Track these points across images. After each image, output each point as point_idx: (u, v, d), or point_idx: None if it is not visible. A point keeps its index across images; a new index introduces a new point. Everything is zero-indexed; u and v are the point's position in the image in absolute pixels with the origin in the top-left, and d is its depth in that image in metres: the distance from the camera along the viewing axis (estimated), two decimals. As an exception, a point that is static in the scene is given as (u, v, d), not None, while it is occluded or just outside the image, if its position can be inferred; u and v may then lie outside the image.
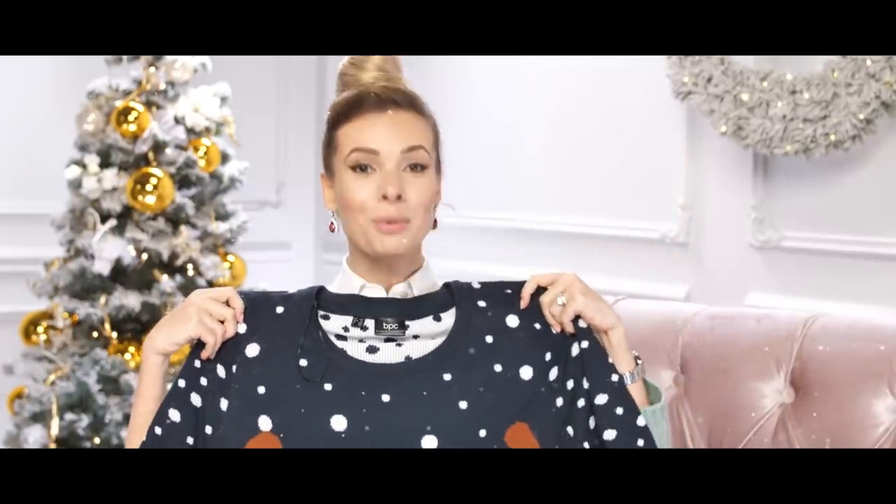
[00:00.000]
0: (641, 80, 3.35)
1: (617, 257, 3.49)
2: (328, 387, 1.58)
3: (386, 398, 1.57)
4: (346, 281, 1.71)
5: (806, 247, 3.05)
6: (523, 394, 1.58)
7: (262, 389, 1.58)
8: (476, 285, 1.67)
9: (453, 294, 1.66)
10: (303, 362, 1.60)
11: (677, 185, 3.32)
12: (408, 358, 1.60)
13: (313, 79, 4.62)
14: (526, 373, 1.60)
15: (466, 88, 3.90)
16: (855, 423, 1.73)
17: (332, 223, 1.73)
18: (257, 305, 1.64)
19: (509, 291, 1.67)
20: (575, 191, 3.62)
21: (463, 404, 1.56)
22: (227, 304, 1.63)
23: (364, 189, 1.63)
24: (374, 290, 1.68)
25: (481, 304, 1.65)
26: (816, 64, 2.85)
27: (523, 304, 1.65)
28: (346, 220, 1.68)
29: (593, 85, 3.54)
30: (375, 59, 1.71)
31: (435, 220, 1.70)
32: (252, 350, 1.61)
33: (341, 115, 1.67)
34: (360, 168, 1.63)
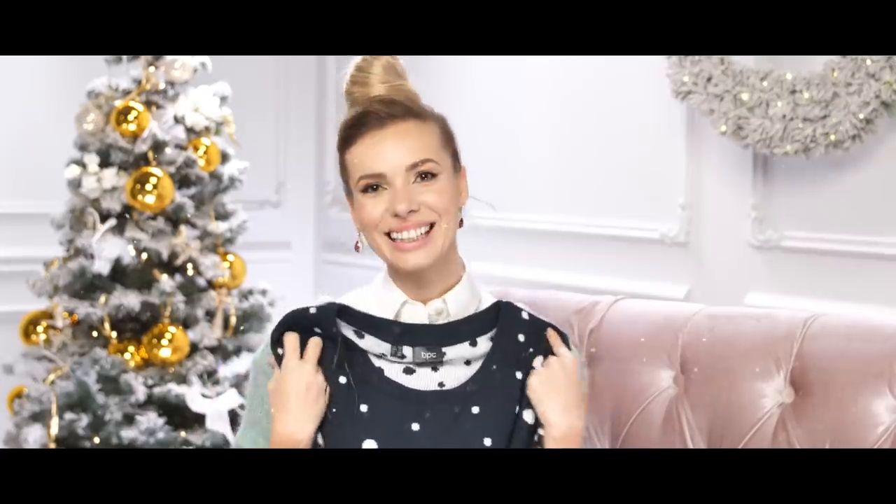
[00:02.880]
0: (641, 80, 3.34)
1: (617, 257, 3.49)
2: (364, 408, 1.61)
3: (416, 427, 1.60)
4: (386, 296, 1.69)
5: (806, 247, 3.04)
6: (526, 437, 1.62)
7: (343, 380, 1.63)
8: (525, 315, 1.68)
9: (500, 316, 1.66)
10: (342, 380, 1.62)
11: (677, 184, 3.32)
12: (441, 385, 1.63)
13: (313, 79, 4.62)
14: (528, 416, 1.63)
15: (466, 88, 3.90)
16: (855, 423, 1.73)
17: (357, 243, 1.72)
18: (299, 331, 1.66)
19: (545, 334, 1.68)
20: (575, 191, 3.62)
21: (487, 441, 1.60)
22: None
23: (376, 207, 1.64)
24: (414, 308, 1.67)
25: (521, 337, 1.66)
26: (816, 64, 2.85)
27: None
28: (367, 239, 1.68)
29: (593, 85, 3.54)
30: (376, 71, 1.68)
31: (461, 220, 1.70)
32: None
33: (346, 139, 1.68)
34: (371, 188, 1.64)
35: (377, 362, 1.64)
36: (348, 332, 1.64)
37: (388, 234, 1.63)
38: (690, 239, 3.32)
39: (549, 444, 1.60)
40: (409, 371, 1.63)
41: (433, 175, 1.64)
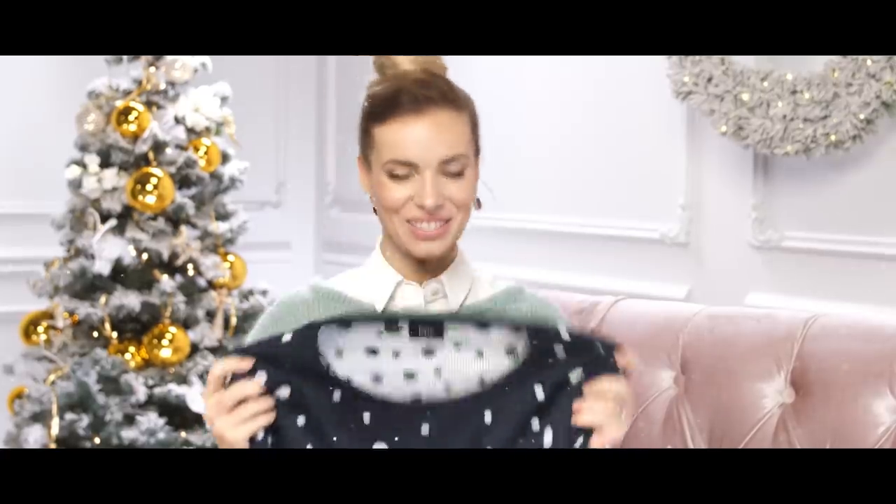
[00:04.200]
0: (642, 80, 3.34)
1: (617, 257, 3.49)
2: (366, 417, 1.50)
3: (425, 431, 1.50)
4: (381, 276, 1.68)
5: (806, 247, 3.04)
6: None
7: (301, 421, 1.50)
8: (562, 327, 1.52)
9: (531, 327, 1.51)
10: (336, 397, 1.50)
11: (677, 185, 3.32)
12: (447, 389, 1.51)
13: (313, 79, 4.61)
14: (547, 436, 1.52)
15: (466, 88, 3.89)
16: (855, 423, 1.73)
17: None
18: (265, 352, 1.51)
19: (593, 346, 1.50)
20: (575, 191, 3.62)
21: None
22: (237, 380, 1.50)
23: (401, 193, 1.61)
24: (409, 288, 1.67)
25: (558, 350, 1.49)
26: (817, 64, 2.84)
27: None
28: (383, 217, 1.66)
29: (593, 85, 3.54)
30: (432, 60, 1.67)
31: (478, 200, 1.68)
32: (283, 392, 1.50)
33: (377, 113, 1.62)
34: (400, 176, 1.61)
35: (371, 388, 1.51)
36: (330, 352, 1.51)
37: (407, 220, 1.62)
38: (691, 239, 3.32)
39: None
40: (410, 376, 1.51)
41: (461, 170, 1.62)
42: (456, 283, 1.68)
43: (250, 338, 1.69)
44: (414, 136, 1.59)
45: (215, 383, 1.52)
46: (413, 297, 1.68)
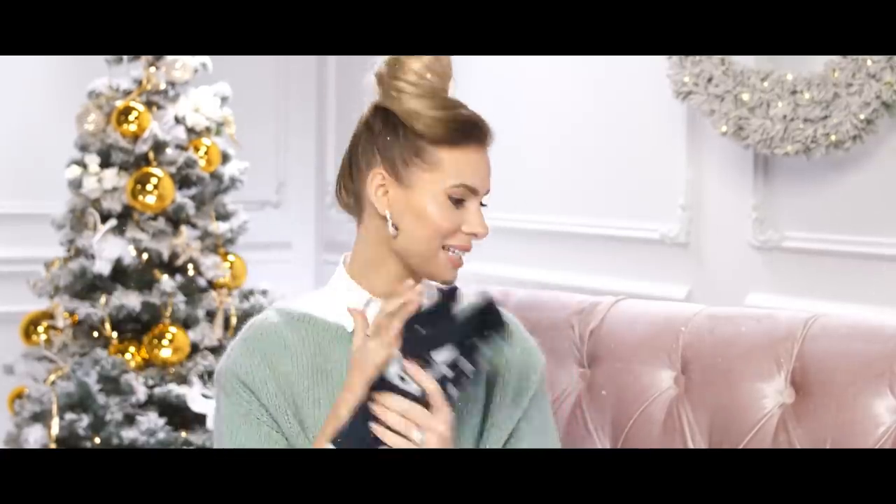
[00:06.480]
0: (642, 80, 3.34)
1: (617, 257, 3.49)
2: None
3: None
4: (349, 296, 1.67)
5: (806, 247, 3.04)
6: None
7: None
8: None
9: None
10: None
11: (677, 185, 3.32)
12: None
13: (313, 79, 4.62)
14: None
15: (467, 88, 3.89)
16: (855, 423, 1.73)
17: (392, 225, 1.65)
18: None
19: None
20: (575, 191, 3.62)
21: None
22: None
23: (455, 219, 1.63)
24: (379, 305, 1.64)
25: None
26: (817, 64, 2.85)
27: None
28: (414, 234, 1.64)
29: (593, 85, 3.54)
30: (444, 61, 1.69)
31: None
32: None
33: (450, 137, 1.64)
34: (459, 200, 1.64)
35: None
36: None
37: (447, 247, 1.64)
38: (691, 239, 3.32)
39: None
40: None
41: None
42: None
43: (224, 361, 1.67)
44: (481, 167, 1.66)
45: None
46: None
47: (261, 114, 4.44)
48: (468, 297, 1.60)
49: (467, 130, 1.65)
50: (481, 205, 1.66)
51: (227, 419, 1.64)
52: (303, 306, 1.70)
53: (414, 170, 1.63)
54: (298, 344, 1.66)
